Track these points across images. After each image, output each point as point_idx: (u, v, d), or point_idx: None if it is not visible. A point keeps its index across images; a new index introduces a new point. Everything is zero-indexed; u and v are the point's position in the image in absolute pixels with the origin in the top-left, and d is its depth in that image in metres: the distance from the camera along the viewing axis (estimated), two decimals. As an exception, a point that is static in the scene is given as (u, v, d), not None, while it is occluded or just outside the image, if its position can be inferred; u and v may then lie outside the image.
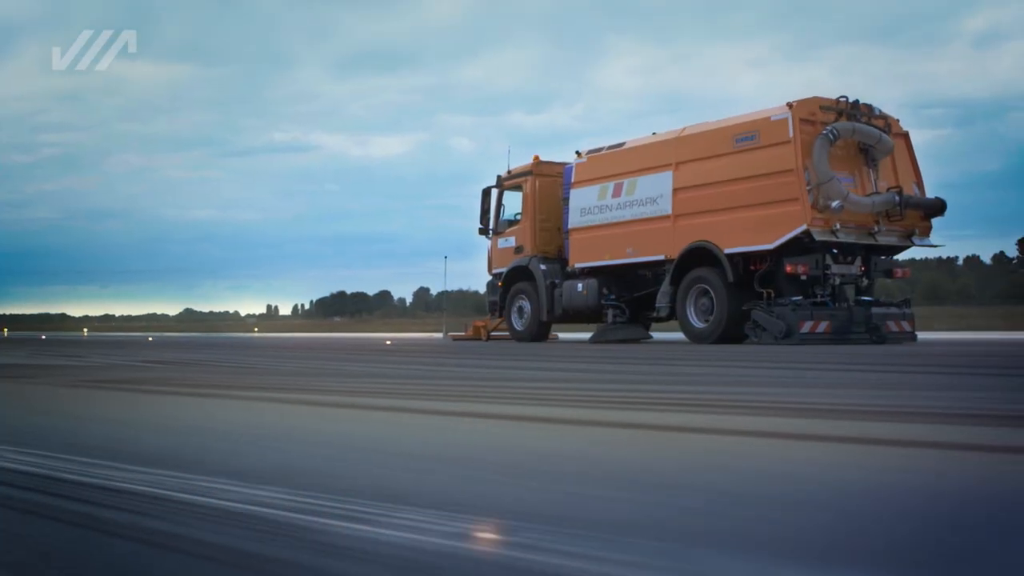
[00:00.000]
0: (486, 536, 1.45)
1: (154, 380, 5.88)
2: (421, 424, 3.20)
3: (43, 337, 33.89)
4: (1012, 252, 61.35)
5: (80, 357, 10.50)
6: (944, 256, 62.68)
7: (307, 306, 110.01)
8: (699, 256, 13.90)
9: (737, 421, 3.07)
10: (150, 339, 25.48)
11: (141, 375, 6.65)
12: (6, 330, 59.05)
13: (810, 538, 1.42)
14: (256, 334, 47.29)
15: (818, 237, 12.45)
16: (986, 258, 65.08)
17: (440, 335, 24.69)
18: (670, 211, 14.36)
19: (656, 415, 3.38)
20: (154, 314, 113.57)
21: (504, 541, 1.40)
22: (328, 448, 2.52)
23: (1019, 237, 59.00)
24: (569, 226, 16.29)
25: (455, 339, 20.03)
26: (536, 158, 17.58)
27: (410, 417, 3.44)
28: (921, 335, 14.07)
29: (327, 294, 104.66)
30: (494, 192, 18.14)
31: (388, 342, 18.17)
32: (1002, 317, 33.32)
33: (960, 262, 66.21)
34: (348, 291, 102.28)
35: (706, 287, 13.75)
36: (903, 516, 1.56)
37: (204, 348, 14.93)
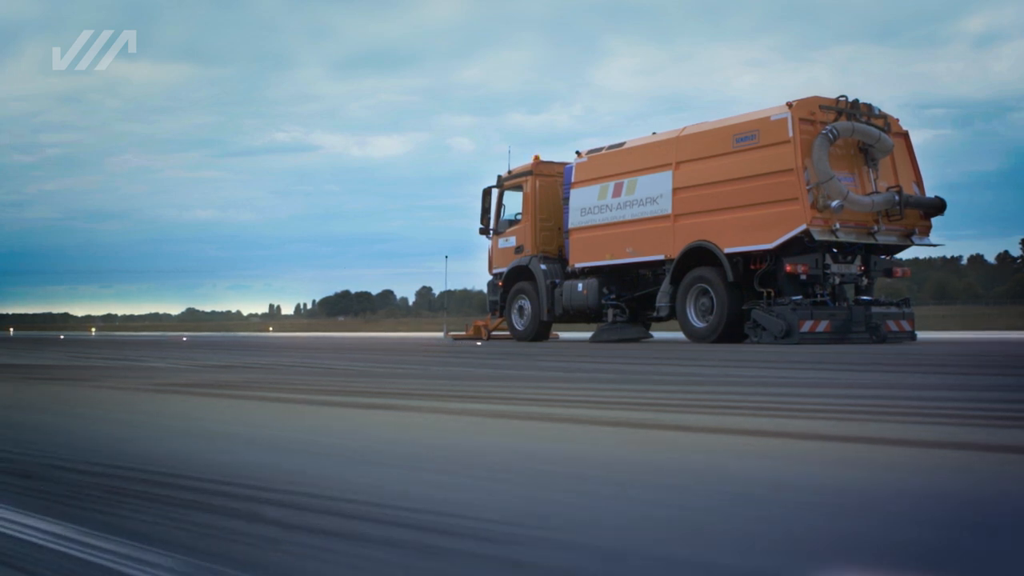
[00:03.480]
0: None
1: (261, 384, 5.23)
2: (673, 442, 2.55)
3: (62, 337, 32.95)
4: (1016, 251, 61.29)
5: (129, 359, 9.87)
6: (948, 256, 62.71)
7: (310, 305, 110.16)
8: (699, 256, 13.90)
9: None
10: (184, 339, 24.93)
11: (232, 378, 5.91)
12: (11, 329, 59.16)
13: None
14: (272, 333, 46.88)
15: (818, 237, 12.44)
16: (990, 257, 65.05)
17: (441, 335, 24.69)
18: (670, 211, 14.36)
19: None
20: (156, 314, 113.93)
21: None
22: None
23: (1022, 237, 58.96)
24: (569, 226, 16.30)
25: (456, 339, 20.04)
26: (536, 158, 17.58)
27: (661, 434, 2.75)
28: (944, 336, 13.99)
29: (330, 294, 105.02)
30: (494, 192, 18.15)
31: (479, 343, 16.90)
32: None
33: (964, 261, 66.18)
34: (351, 291, 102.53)
35: (706, 287, 13.75)
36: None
37: (253, 349, 13.72)
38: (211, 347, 15.26)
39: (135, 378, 6.16)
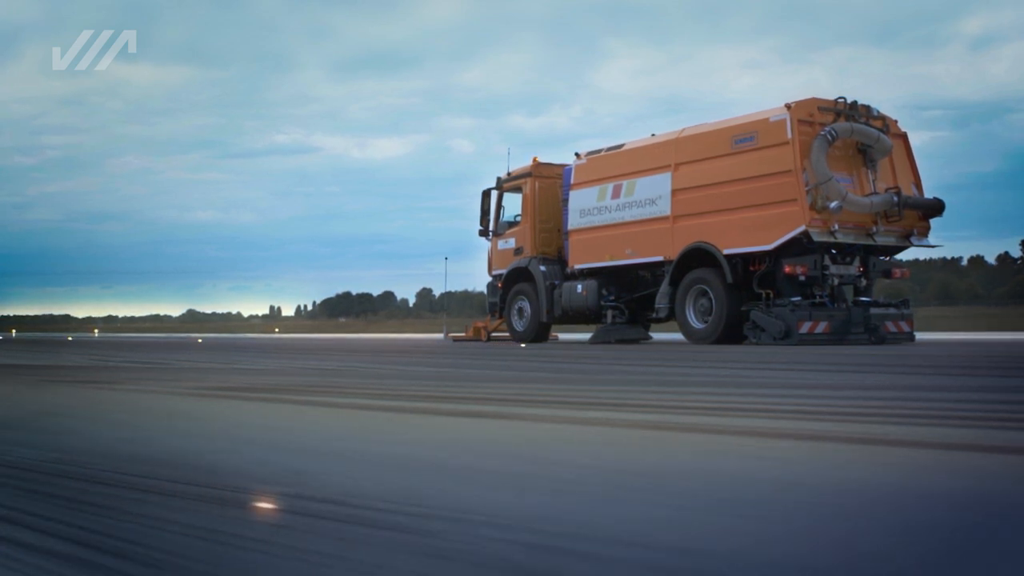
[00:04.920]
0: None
1: (316, 388, 4.97)
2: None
3: (70, 338, 32.30)
4: (1016, 252, 61.34)
5: (152, 361, 9.34)
6: (948, 257, 62.74)
7: (310, 307, 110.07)
8: (698, 257, 13.90)
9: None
10: (200, 340, 24.69)
11: (283, 381, 5.59)
12: (14, 331, 59.05)
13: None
14: (280, 335, 46.64)
15: (816, 238, 12.45)
16: (990, 258, 65.08)
17: (441, 336, 24.70)
18: (669, 212, 14.36)
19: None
20: (157, 315, 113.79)
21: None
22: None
23: (1021, 239, 59.02)
24: (568, 227, 16.30)
25: (456, 340, 20.04)
26: (535, 160, 17.60)
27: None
28: (944, 337, 13.92)
29: (331, 295, 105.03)
30: (494, 194, 18.17)
31: (523, 345, 15.95)
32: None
33: (964, 262, 66.21)
34: (352, 292, 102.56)
35: (705, 288, 13.76)
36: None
37: (274, 351, 12.95)
38: (235, 350, 14.56)
39: (179, 381, 5.83)
